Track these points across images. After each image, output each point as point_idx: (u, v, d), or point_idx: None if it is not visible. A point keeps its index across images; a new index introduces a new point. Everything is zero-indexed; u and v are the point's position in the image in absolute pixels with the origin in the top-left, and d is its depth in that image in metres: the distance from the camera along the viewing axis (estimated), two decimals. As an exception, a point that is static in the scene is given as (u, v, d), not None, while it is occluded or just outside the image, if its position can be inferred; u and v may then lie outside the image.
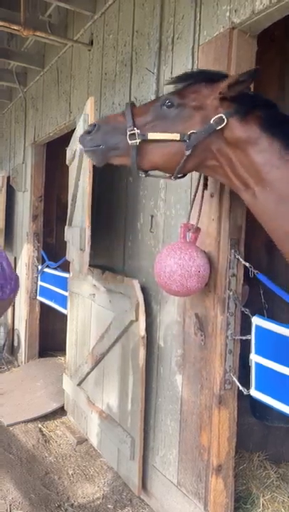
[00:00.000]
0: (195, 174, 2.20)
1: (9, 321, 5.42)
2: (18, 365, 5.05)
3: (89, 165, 2.61)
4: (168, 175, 1.83)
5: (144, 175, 1.82)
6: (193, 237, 2.05)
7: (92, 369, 3.21)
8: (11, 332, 5.39)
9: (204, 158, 1.71)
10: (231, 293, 2.11)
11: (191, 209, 2.15)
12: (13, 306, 5.23)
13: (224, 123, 1.60)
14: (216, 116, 1.61)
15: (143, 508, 2.64)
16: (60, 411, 3.82)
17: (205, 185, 2.09)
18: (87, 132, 1.78)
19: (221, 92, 1.60)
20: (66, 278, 3.95)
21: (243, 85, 1.59)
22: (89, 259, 2.69)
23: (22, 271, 4.99)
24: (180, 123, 1.66)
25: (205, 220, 2.14)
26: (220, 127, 1.60)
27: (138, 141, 1.66)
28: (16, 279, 2.03)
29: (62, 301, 4.11)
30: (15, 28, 3.12)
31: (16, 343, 5.29)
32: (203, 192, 2.10)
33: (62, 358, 4.93)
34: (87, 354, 3.28)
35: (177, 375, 2.40)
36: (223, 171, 1.71)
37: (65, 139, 4.08)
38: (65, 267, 4.16)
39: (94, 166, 2.64)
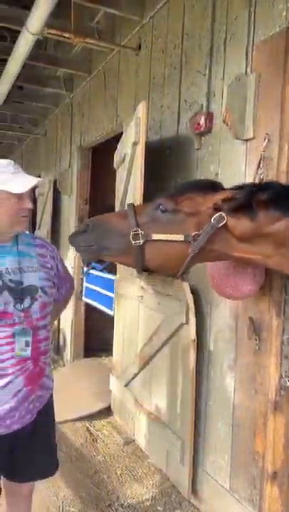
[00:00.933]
0: (249, 172, 2.18)
1: (55, 321, 5.56)
2: (64, 365, 5.16)
3: (140, 169, 2.64)
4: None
5: (146, 274, 1.77)
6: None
7: (140, 370, 3.23)
8: (56, 332, 5.53)
9: (207, 255, 1.69)
10: (288, 296, 2.06)
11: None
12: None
13: (224, 221, 1.57)
14: (217, 215, 1.58)
15: None
16: (106, 411, 3.87)
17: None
18: (81, 232, 1.72)
19: (215, 204, 1.61)
20: (112, 280, 4.00)
21: (237, 202, 1.57)
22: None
23: (68, 272, 5.10)
24: (176, 226, 1.64)
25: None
26: (221, 224, 1.58)
27: (142, 241, 1.63)
28: (71, 281, 2.08)
29: (108, 302, 4.16)
30: (66, 36, 3.21)
31: (61, 343, 5.41)
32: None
33: (107, 359, 5.00)
34: (134, 355, 3.31)
35: (229, 379, 2.38)
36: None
37: (110, 142, 4.15)
38: (110, 268, 4.21)
39: (144, 170, 2.67)
